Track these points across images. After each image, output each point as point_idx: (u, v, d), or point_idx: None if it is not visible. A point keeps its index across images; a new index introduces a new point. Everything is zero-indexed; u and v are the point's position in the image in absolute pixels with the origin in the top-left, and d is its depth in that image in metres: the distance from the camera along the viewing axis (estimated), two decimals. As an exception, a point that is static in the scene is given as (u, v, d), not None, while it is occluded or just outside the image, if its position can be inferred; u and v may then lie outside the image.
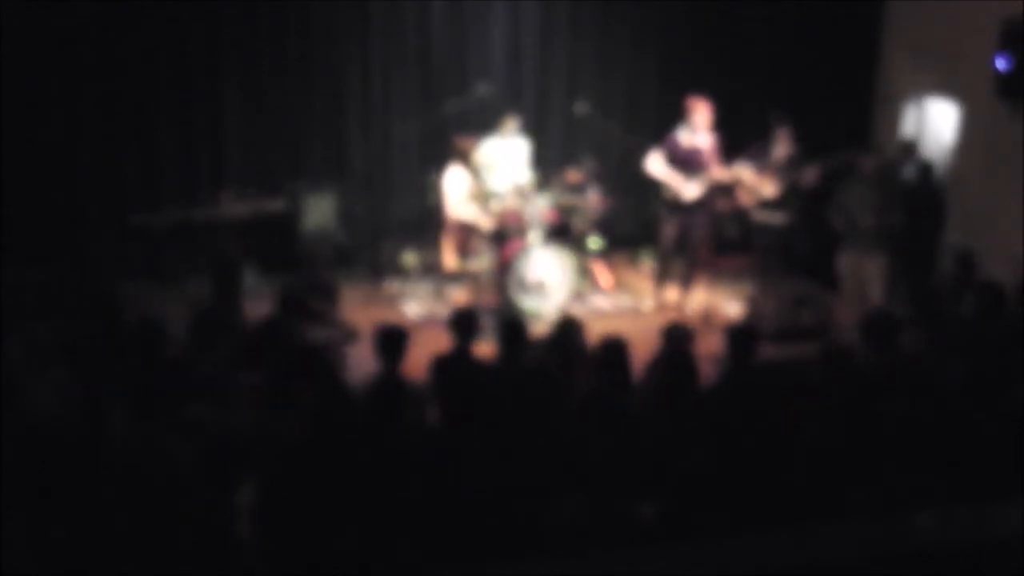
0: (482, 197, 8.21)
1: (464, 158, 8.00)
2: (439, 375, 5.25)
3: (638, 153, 9.00)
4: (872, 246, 7.72)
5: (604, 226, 9.24)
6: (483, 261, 8.10)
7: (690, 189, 8.38)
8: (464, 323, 5.49)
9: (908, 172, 8.02)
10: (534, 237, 8.43)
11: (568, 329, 5.45)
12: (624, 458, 4.05)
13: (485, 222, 8.01)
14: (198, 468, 4.11)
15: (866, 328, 5.47)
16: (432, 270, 9.00)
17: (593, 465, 4.09)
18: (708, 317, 8.21)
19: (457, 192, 7.89)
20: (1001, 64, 7.99)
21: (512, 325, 5.43)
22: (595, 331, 5.72)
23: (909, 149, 9.08)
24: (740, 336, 5.30)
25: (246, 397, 4.98)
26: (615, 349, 4.98)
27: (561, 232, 9.04)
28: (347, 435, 4.23)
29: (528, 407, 4.53)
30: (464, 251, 7.95)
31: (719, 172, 8.37)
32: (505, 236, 8.46)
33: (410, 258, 9.17)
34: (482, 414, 4.51)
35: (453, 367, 5.27)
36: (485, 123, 9.16)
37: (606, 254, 9.34)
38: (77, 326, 5.56)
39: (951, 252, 8.11)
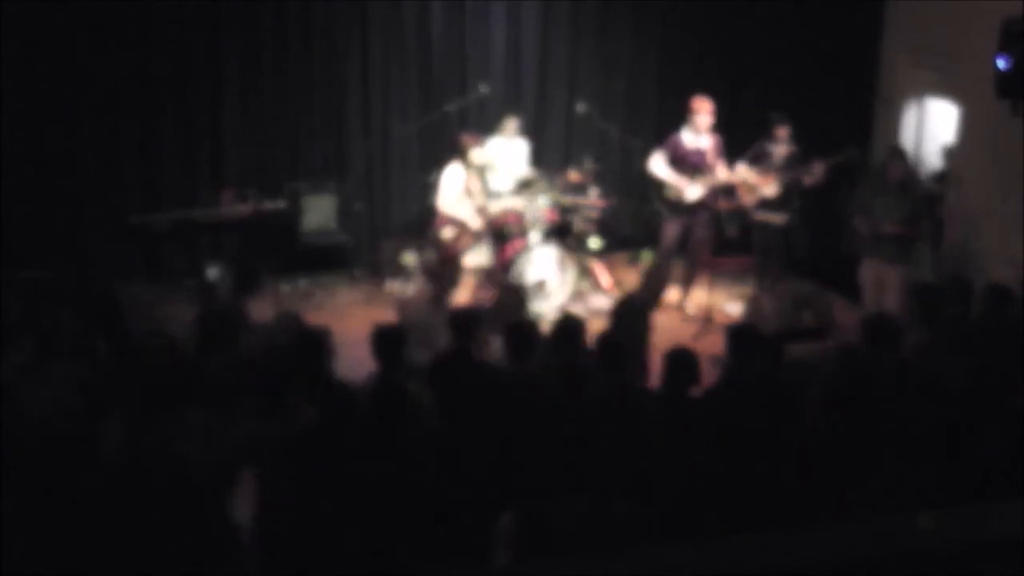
0: (482, 195, 8.19)
1: (462, 152, 8.00)
2: (439, 375, 5.24)
3: (638, 153, 9.02)
4: (895, 256, 7.69)
5: (604, 226, 9.24)
6: (478, 257, 8.10)
7: (692, 190, 8.39)
8: (464, 323, 5.48)
9: (894, 175, 7.98)
10: (534, 237, 8.44)
11: (571, 329, 5.44)
12: (627, 458, 4.05)
13: (475, 221, 7.99)
14: (202, 470, 4.11)
15: (868, 329, 5.47)
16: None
17: (595, 465, 4.08)
18: (708, 317, 8.21)
19: (452, 189, 7.88)
20: (1002, 64, 7.98)
21: (522, 329, 5.42)
22: (596, 331, 5.71)
23: (896, 154, 9.05)
24: (740, 336, 5.30)
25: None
26: (615, 347, 4.98)
27: (561, 232, 9.05)
28: (348, 435, 4.23)
29: (529, 407, 4.53)
30: (447, 253, 7.96)
31: (721, 173, 8.38)
32: (505, 236, 8.46)
33: (410, 258, 9.18)
34: (482, 414, 4.51)
35: (453, 367, 5.26)
36: (485, 123, 9.17)
37: (606, 254, 9.34)
38: (78, 327, 5.56)
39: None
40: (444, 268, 6.73)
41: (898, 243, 7.70)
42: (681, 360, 4.88)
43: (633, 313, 5.99)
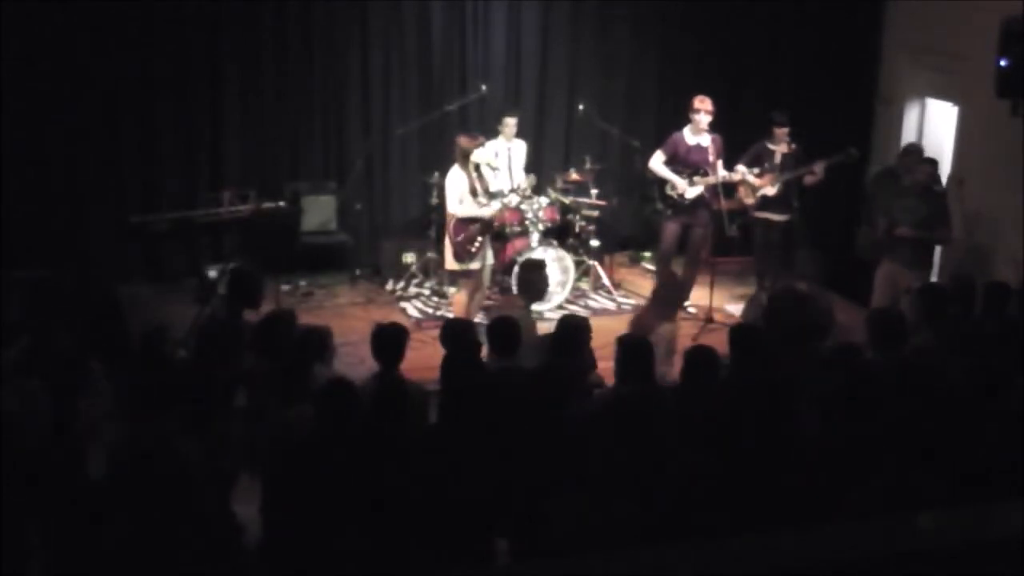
0: (483, 194, 8.15)
1: (464, 157, 7.90)
2: (444, 375, 5.26)
3: (638, 153, 9.02)
4: (912, 260, 7.64)
5: (604, 226, 9.24)
6: (484, 259, 8.08)
7: (692, 189, 8.39)
8: (456, 335, 5.47)
9: (919, 178, 7.92)
10: (534, 237, 8.43)
11: (574, 329, 5.44)
12: (628, 457, 4.05)
13: (487, 213, 7.90)
14: (204, 468, 4.12)
15: (872, 327, 5.47)
16: (432, 270, 9.00)
17: (596, 464, 4.08)
18: (708, 317, 8.21)
19: (456, 192, 7.83)
20: (1003, 64, 7.98)
21: (503, 327, 5.43)
22: (596, 331, 5.71)
23: (911, 153, 9.02)
24: (743, 336, 5.30)
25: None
26: (638, 348, 4.99)
27: (561, 232, 9.05)
28: (350, 435, 4.23)
29: (530, 406, 4.53)
30: (462, 254, 7.88)
31: (721, 172, 8.38)
32: (505, 236, 8.45)
33: (410, 258, 9.18)
34: (482, 414, 4.51)
35: (453, 368, 5.27)
36: (485, 123, 9.17)
37: (606, 254, 9.34)
38: (75, 328, 5.56)
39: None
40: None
41: (914, 247, 7.64)
42: (702, 358, 4.87)
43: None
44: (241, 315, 5.80)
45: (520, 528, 4.12)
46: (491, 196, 8.19)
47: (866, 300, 7.90)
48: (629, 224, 10.13)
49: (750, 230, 8.88)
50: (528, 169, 8.90)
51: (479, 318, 7.78)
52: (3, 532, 3.87)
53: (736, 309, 8.54)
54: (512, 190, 8.50)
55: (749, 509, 3.89)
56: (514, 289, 8.26)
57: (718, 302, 8.45)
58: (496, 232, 8.28)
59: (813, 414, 4.61)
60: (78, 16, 8.36)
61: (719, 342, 6.35)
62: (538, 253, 8.33)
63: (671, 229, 8.58)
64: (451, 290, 8.69)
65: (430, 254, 9.01)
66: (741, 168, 8.53)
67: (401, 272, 9.12)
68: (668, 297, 6.64)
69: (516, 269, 8.10)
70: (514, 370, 5.14)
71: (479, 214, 7.86)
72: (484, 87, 9.24)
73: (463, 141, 7.88)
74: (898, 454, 4.19)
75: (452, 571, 3.75)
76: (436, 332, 5.84)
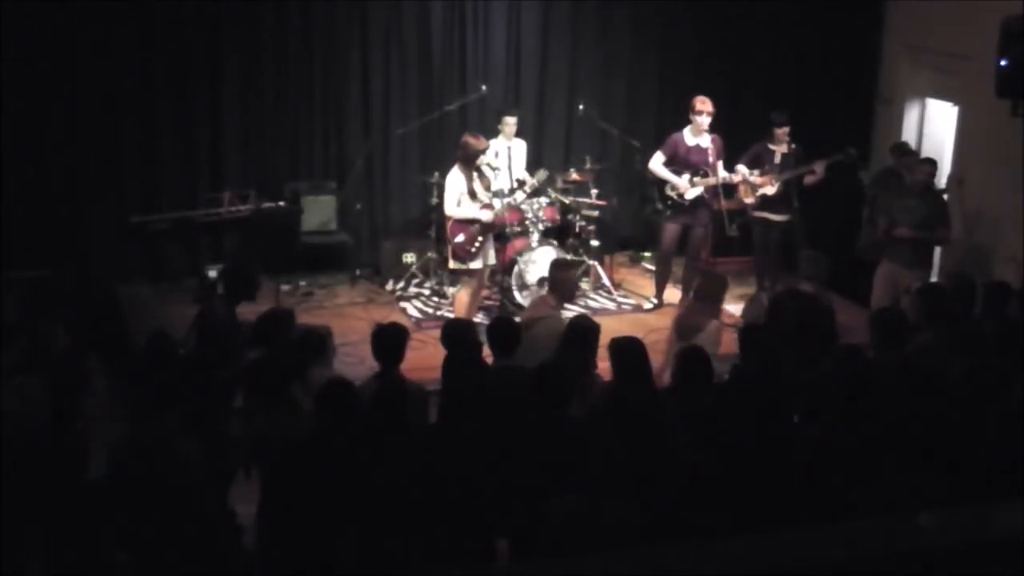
0: (484, 194, 8.14)
1: (470, 156, 7.80)
2: (444, 375, 5.26)
3: (638, 153, 9.02)
4: (911, 260, 7.63)
5: (604, 226, 9.24)
6: (485, 259, 8.08)
7: (692, 190, 8.39)
8: (456, 335, 5.47)
9: (919, 177, 7.92)
10: (534, 237, 8.43)
11: (585, 331, 5.44)
12: (628, 457, 4.05)
13: (485, 216, 7.85)
14: (204, 468, 4.12)
15: (875, 326, 5.47)
16: (432, 270, 9.00)
17: (596, 464, 4.08)
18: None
19: (454, 194, 7.79)
20: (1003, 64, 7.98)
21: (503, 327, 5.43)
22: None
23: (903, 151, 9.01)
24: (755, 338, 5.31)
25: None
26: (633, 349, 5.00)
27: (561, 232, 9.04)
28: (350, 435, 4.23)
29: (530, 406, 4.53)
30: (462, 255, 7.86)
31: (722, 173, 8.38)
32: (506, 236, 8.45)
33: (410, 258, 9.17)
34: (484, 414, 4.51)
35: (457, 367, 5.27)
36: (485, 123, 9.16)
37: (606, 254, 9.34)
38: (74, 329, 5.56)
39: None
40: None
41: (914, 247, 7.64)
42: (695, 359, 4.88)
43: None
44: (235, 311, 5.80)
45: (520, 528, 4.12)
46: (493, 195, 8.18)
47: (866, 300, 7.91)
48: (629, 224, 10.13)
49: (750, 230, 8.88)
50: (528, 169, 8.90)
51: (479, 318, 7.79)
52: (3, 532, 3.87)
53: (736, 309, 8.53)
54: (513, 188, 8.46)
55: (749, 509, 3.89)
56: (513, 291, 8.28)
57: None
58: (496, 232, 8.28)
59: (813, 414, 4.61)
60: (78, 16, 8.35)
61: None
62: (538, 253, 8.33)
63: (671, 229, 8.58)
64: (451, 290, 8.69)
65: (430, 254, 9.01)
66: (741, 169, 8.53)
67: (401, 272, 9.12)
68: (712, 293, 6.61)
69: (522, 268, 8.09)
70: (514, 370, 5.14)
71: (476, 216, 7.79)
72: (484, 87, 9.25)
73: (473, 141, 7.78)
74: (898, 454, 4.19)
75: (452, 571, 3.75)
76: (436, 332, 5.84)
